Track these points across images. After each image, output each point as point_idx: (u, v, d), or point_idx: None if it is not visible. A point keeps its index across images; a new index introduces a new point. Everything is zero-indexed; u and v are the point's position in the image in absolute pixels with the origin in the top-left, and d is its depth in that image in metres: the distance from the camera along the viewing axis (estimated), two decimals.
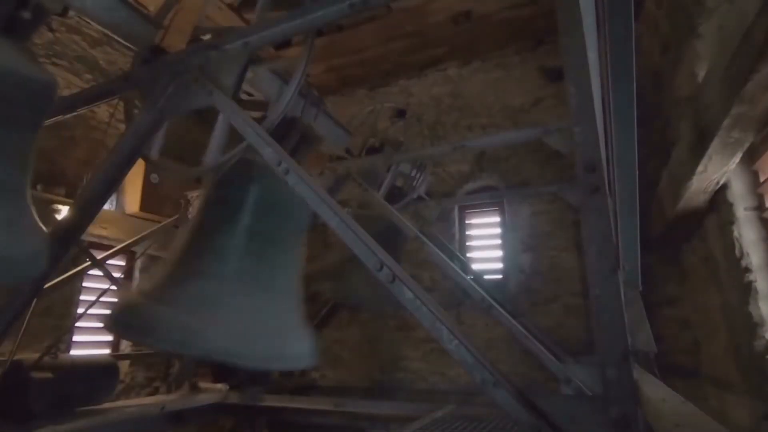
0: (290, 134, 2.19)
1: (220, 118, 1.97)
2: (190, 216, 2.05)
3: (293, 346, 1.89)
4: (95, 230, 3.86)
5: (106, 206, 2.37)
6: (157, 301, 1.75)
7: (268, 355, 1.77)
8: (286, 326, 1.92)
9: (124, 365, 4.06)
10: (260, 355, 1.73)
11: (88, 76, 4.11)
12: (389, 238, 3.30)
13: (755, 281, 2.21)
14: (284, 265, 2.05)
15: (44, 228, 1.69)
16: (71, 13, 1.83)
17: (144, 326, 1.68)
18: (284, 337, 1.88)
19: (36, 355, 2.31)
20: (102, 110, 4.03)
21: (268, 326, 1.83)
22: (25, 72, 1.52)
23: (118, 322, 1.79)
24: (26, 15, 1.65)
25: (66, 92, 3.79)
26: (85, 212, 2.06)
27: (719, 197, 2.48)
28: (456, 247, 4.61)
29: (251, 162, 1.99)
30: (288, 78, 2.03)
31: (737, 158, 2.18)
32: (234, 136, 1.94)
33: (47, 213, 3.46)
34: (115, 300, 2.01)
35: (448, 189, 4.89)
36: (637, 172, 2.23)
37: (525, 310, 4.00)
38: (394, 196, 4.02)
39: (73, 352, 3.80)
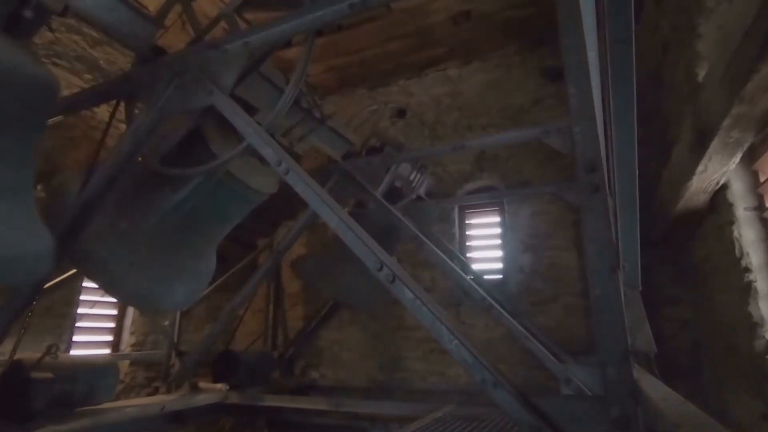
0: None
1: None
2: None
3: (164, 298, 2.54)
4: None
5: None
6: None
7: (142, 298, 2.47)
8: (173, 282, 2.53)
9: (124, 365, 4.06)
10: (135, 295, 2.40)
11: (88, 76, 4.11)
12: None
13: (755, 281, 2.21)
14: (203, 244, 2.73)
15: (48, 229, 1.69)
16: (71, 13, 1.83)
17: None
18: (165, 289, 2.50)
19: (36, 355, 2.30)
20: (102, 110, 4.02)
21: (160, 277, 2.45)
22: (28, 71, 1.51)
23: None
24: (28, 14, 1.64)
25: (66, 92, 3.78)
26: (85, 212, 2.06)
27: (719, 197, 2.48)
28: (456, 247, 4.60)
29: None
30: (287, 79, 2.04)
31: (737, 158, 2.18)
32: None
33: None
34: None
35: (448, 189, 4.88)
36: (637, 172, 2.23)
37: (525, 310, 4.00)
38: (394, 196, 4.02)
39: (73, 352, 3.80)
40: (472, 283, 3.26)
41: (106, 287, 2.41)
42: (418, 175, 4.23)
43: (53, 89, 1.62)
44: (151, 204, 2.44)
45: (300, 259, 4.28)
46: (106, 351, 4.18)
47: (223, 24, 2.25)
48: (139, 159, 2.28)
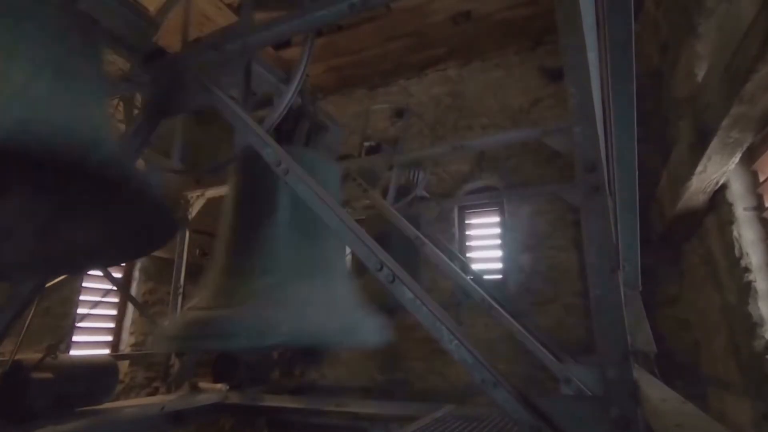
0: (300, 125, 2.21)
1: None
2: (222, 216, 2.09)
3: (364, 322, 1.94)
4: None
5: None
6: (222, 307, 1.80)
7: (344, 332, 1.85)
8: (350, 306, 1.98)
9: (124, 365, 4.06)
10: (336, 334, 1.82)
11: None
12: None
13: (755, 281, 2.21)
14: (331, 249, 2.09)
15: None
16: None
17: (220, 332, 1.72)
18: (352, 315, 1.94)
19: (36, 355, 2.30)
20: None
21: (333, 307, 1.90)
22: None
23: (189, 338, 1.80)
24: None
25: None
26: None
27: (719, 197, 2.48)
28: (456, 247, 4.60)
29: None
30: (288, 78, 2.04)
31: (737, 158, 2.18)
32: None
33: None
34: (168, 323, 2.04)
35: (448, 189, 4.89)
36: (637, 172, 2.23)
37: (525, 310, 4.00)
38: (394, 196, 4.02)
39: (73, 352, 3.80)
40: (472, 283, 3.26)
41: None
42: (418, 175, 4.23)
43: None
44: (274, 239, 1.99)
45: None
46: (106, 351, 4.18)
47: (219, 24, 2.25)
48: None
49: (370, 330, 1.92)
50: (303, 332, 1.72)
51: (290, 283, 1.86)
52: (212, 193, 4.07)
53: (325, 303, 1.87)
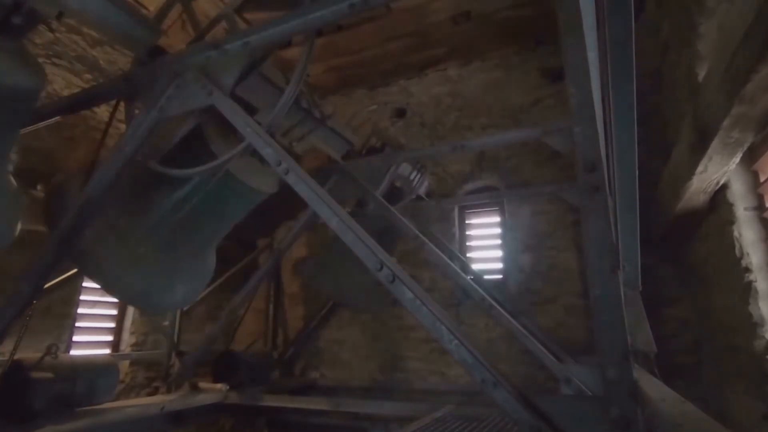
0: None
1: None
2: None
3: (164, 297, 2.58)
4: None
5: None
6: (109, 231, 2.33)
7: (141, 297, 2.47)
8: (173, 281, 2.57)
9: (124, 365, 4.06)
10: (135, 294, 2.42)
11: (88, 76, 4.11)
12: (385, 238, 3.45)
13: (755, 281, 2.21)
14: (204, 245, 2.75)
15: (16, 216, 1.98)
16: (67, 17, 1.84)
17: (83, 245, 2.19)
18: (164, 289, 2.55)
19: (36, 355, 2.30)
20: (102, 110, 4.03)
21: (159, 276, 2.49)
22: (5, 82, 1.67)
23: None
24: (17, 20, 1.67)
25: (66, 92, 3.78)
26: (86, 212, 2.06)
27: (719, 197, 2.48)
28: (456, 247, 4.60)
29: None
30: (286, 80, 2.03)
31: (737, 158, 2.17)
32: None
33: None
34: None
35: (448, 189, 4.88)
36: (637, 172, 2.23)
37: (525, 310, 4.00)
38: (394, 196, 4.02)
39: (73, 352, 3.80)
40: (472, 283, 3.26)
41: (105, 286, 2.42)
42: (418, 175, 4.23)
43: (31, 95, 1.73)
44: (150, 202, 2.44)
45: (301, 261, 4.30)
46: (106, 351, 4.18)
47: (223, 24, 2.25)
48: (139, 158, 2.30)
49: (164, 304, 2.73)
50: (125, 288, 2.34)
51: (149, 245, 2.40)
52: None
53: (154, 271, 2.44)
